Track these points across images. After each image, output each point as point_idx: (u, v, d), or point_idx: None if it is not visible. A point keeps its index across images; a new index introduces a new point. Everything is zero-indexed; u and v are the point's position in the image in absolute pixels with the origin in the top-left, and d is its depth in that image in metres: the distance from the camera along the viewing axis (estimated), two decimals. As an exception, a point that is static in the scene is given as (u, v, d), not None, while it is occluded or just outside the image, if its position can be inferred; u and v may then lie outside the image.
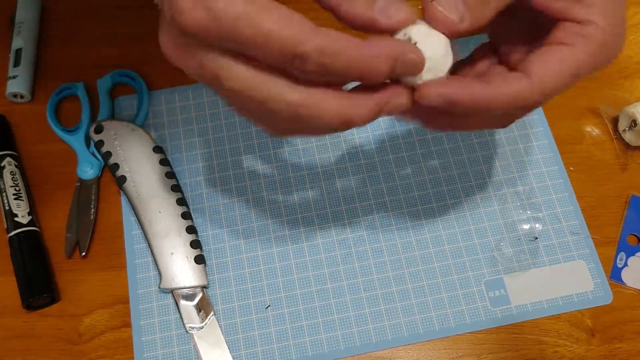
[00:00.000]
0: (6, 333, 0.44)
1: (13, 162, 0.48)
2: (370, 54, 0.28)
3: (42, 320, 0.44)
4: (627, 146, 0.50)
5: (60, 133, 0.49)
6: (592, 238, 0.46)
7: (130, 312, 0.44)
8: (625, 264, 0.46)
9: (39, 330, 0.44)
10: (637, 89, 0.52)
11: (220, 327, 0.43)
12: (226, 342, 0.43)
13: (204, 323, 0.43)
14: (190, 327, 0.43)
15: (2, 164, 0.47)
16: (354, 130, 0.50)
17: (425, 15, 0.30)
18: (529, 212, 0.47)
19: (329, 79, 0.28)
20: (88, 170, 0.48)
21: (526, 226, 0.47)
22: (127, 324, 0.44)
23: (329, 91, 0.29)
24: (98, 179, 0.48)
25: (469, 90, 0.30)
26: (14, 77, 0.50)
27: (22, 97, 0.51)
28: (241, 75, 0.28)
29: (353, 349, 0.43)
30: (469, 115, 0.33)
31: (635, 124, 0.48)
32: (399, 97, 0.30)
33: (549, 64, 0.32)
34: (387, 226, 0.47)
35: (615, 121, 0.50)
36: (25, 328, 0.44)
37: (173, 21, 0.28)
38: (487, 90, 0.31)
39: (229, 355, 0.43)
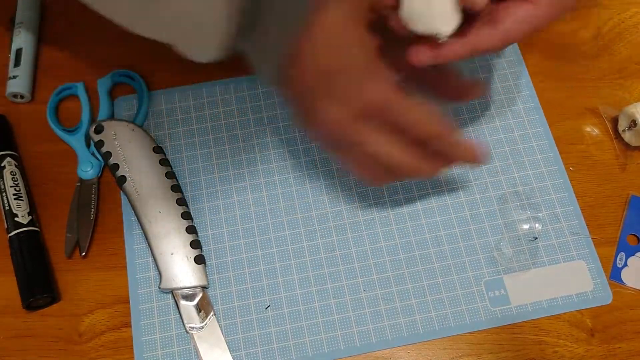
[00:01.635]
0: (6, 333, 0.44)
1: (13, 162, 0.48)
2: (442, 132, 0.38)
3: (42, 320, 0.44)
4: (627, 146, 0.50)
5: (60, 133, 0.49)
6: (592, 238, 0.46)
7: (130, 312, 0.44)
8: (625, 264, 0.46)
9: (39, 330, 0.44)
10: (637, 89, 0.52)
11: (220, 327, 0.43)
12: (226, 342, 0.43)
13: (204, 323, 0.43)
14: (190, 327, 0.43)
15: (2, 164, 0.47)
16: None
17: None
18: (528, 212, 0.47)
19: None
20: (88, 170, 0.48)
21: (526, 226, 0.47)
22: (127, 324, 0.44)
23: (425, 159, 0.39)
24: (98, 179, 0.48)
25: (484, 38, 0.36)
26: (14, 77, 0.50)
27: (22, 97, 0.51)
28: (336, 119, 0.36)
29: (353, 349, 0.43)
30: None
31: (635, 124, 0.48)
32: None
33: (514, 18, 0.36)
34: (387, 226, 0.47)
35: (615, 121, 0.50)
36: (25, 328, 0.44)
37: (295, 71, 0.36)
38: (500, 29, 0.36)
39: (229, 355, 0.43)
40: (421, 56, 0.36)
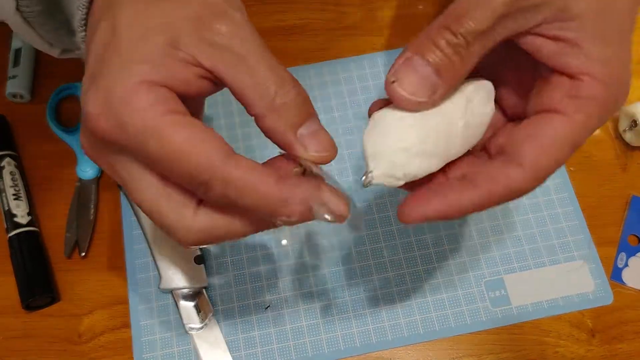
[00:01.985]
0: (6, 333, 0.43)
1: (13, 162, 0.48)
2: (280, 196, 0.26)
3: (42, 320, 0.44)
4: (627, 146, 0.50)
5: (60, 133, 0.49)
6: (593, 238, 0.46)
7: (130, 313, 0.44)
8: (626, 264, 0.46)
9: (38, 330, 0.44)
10: (637, 89, 0.52)
11: (220, 327, 0.43)
12: (226, 342, 0.43)
13: (204, 323, 0.43)
14: (190, 327, 0.43)
15: (1, 164, 0.47)
16: (353, 130, 0.50)
17: (390, 98, 0.28)
18: (529, 212, 0.47)
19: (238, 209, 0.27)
20: (88, 170, 0.48)
21: (526, 226, 0.47)
22: (127, 324, 0.44)
23: (235, 216, 0.28)
24: (98, 179, 0.48)
25: (456, 202, 0.28)
26: (14, 77, 0.50)
27: (22, 97, 0.51)
28: (145, 191, 0.27)
29: (353, 349, 0.43)
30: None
31: (635, 124, 0.48)
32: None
33: (542, 146, 0.28)
34: (387, 226, 0.47)
35: (615, 121, 0.50)
36: (25, 328, 0.44)
37: (84, 126, 0.28)
38: (476, 195, 0.28)
39: (229, 355, 0.43)
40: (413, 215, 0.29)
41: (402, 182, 0.29)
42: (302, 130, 0.28)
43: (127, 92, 0.25)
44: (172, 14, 0.27)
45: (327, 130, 0.29)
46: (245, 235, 0.29)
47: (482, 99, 0.30)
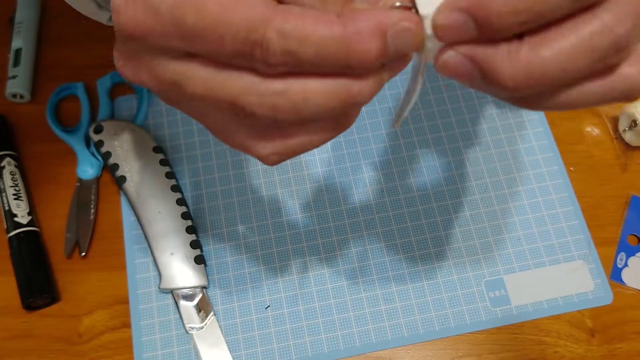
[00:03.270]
0: (6, 333, 0.43)
1: (13, 162, 0.48)
2: (349, 31, 0.21)
3: (42, 320, 0.44)
4: (627, 146, 0.50)
5: (60, 133, 0.49)
6: (592, 238, 0.46)
7: (130, 312, 0.44)
8: (626, 264, 0.46)
9: (38, 330, 0.44)
10: (637, 89, 0.52)
11: (220, 327, 0.43)
12: (226, 342, 0.43)
13: (204, 323, 0.43)
14: (190, 327, 0.43)
15: (2, 164, 0.47)
16: (353, 130, 0.50)
17: None
18: (528, 212, 0.47)
19: (305, 70, 0.22)
20: (88, 170, 0.48)
21: (526, 226, 0.47)
22: (127, 324, 0.44)
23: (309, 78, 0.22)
24: (98, 179, 0.48)
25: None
26: (14, 77, 0.50)
27: (22, 97, 0.51)
28: (201, 75, 0.23)
29: (353, 349, 0.43)
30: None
31: (635, 124, 0.48)
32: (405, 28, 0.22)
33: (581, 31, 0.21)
34: (386, 226, 0.47)
35: (615, 121, 0.50)
36: (25, 328, 0.44)
37: (115, 27, 0.24)
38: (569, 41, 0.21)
39: (229, 355, 0.43)
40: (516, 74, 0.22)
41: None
42: None
43: None
44: None
45: None
46: (326, 104, 0.23)
47: None
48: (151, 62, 0.24)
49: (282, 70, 0.22)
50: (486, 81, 0.23)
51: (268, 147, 0.26)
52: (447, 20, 0.22)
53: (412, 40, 0.22)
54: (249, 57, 0.22)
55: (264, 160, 0.26)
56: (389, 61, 0.23)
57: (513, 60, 0.22)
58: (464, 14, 0.21)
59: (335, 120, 0.25)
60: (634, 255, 0.46)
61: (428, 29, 0.22)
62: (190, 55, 0.23)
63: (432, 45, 0.23)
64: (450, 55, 0.23)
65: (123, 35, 0.24)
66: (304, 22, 0.21)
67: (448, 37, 0.22)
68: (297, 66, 0.22)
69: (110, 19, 0.35)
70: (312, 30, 0.21)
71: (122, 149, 0.47)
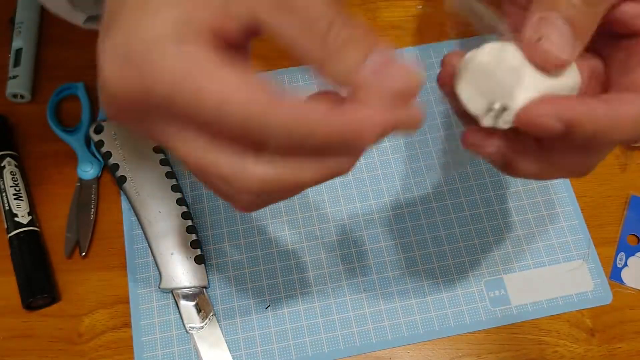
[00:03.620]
0: (6, 333, 0.43)
1: (13, 162, 0.48)
2: (352, 127, 0.22)
3: (42, 320, 0.44)
4: (627, 146, 0.50)
5: (60, 133, 0.49)
6: (592, 238, 0.46)
7: (130, 312, 0.44)
8: (625, 264, 0.46)
9: (38, 330, 0.44)
10: (636, 89, 0.52)
11: (220, 327, 0.43)
12: (226, 342, 0.43)
13: (204, 323, 0.43)
14: (190, 327, 0.43)
15: (2, 164, 0.47)
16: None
17: (534, 58, 0.26)
18: (528, 212, 0.47)
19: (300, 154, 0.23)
20: (88, 170, 0.48)
21: (525, 226, 0.47)
22: (127, 324, 0.44)
23: (304, 160, 0.23)
24: (98, 179, 0.48)
25: (591, 108, 0.25)
26: (14, 77, 0.50)
27: (22, 97, 0.51)
28: (191, 151, 0.23)
29: (353, 349, 0.43)
30: (568, 150, 0.28)
31: (635, 124, 0.48)
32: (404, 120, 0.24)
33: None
34: (387, 226, 0.47)
35: (615, 121, 0.50)
36: (25, 328, 0.44)
37: (102, 90, 0.23)
38: (610, 110, 0.25)
39: (229, 355, 0.43)
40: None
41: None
42: (366, 70, 0.23)
43: (149, 39, 0.21)
44: None
45: None
46: (315, 182, 0.24)
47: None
48: (140, 121, 0.24)
49: (276, 152, 0.23)
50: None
51: (249, 204, 0.26)
52: (543, 125, 0.25)
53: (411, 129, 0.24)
54: (247, 142, 0.22)
55: (243, 211, 0.27)
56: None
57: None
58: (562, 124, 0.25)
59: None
60: (633, 255, 0.46)
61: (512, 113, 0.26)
62: (185, 123, 0.23)
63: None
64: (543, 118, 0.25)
65: (112, 103, 0.23)
66: (308, 116, 0.21)
67: (534, 133, 0.26)
68: (294, 153, 0.23)
69: (86, 20, 0.35)
70: (313, 125, 0.22)
71: (123, 149, 0.47)
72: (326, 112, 0.22)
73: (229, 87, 0.21)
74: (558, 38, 0.25)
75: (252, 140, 0.22)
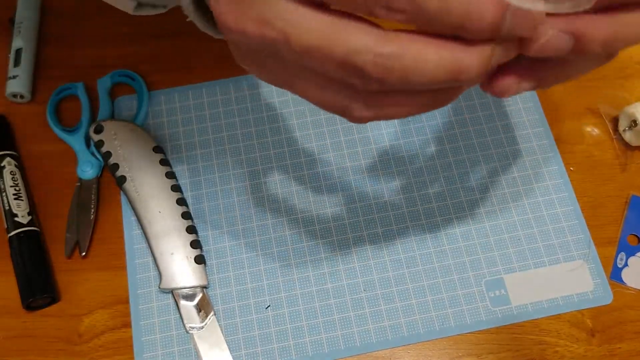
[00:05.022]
0: (6, 333, 0.43)
1: (13, 162, 0.48)
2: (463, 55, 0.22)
3: (42, 320, 0.44)
4: (627, 146, 0.50)
5: (60, 133, 0.49)
6: (592, 238, 0.46)
7: (130, 312, 0.44)
8: (626, 264, 0.46)
9: (38, 330, 0.44)
10: (637, 89, 0.52)
11: (220, 327, 0.43)
12: (226, 342, 0.43)
13: (204, 323, 0.43)
14: (190, 327, 0.43)
15: (2, 164, 0.47)
16: (354, 129, 0.50)
17: None
18: (528, 212, 0.47)
19: (419, 24, 0.23)
20: (88, 170, 0.48)
21: (526, 226, 0.47)
22: (127, 324, 0.44)
23: (429, 41, 0.23)
24: (98, 179, 0.48)
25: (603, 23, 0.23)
26: (14, 77, 0.50)
27: (22, 97, 0.51)
28: (317, 25, 0.23)
29: (353, 349, 0.43)
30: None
31: (635, 124, 0.48)
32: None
33: None
34: (387, 226, 0.47)
35: (615, 121, 0.50)
36: (25, 328, 0.44)
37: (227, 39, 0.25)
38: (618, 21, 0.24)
39: (229, 355, 0.43)
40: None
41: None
42: None
43: None
44: None
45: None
46: (438, 68, 0.23)
47: None
48: (261, 7, 0.24)
49: (400, 18, 0.22)
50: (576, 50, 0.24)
51: (365, 110, 0.26)
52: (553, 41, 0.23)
53: (526, 26, 0.22)
54: (376, 8, 0.22)
55: (358, 121, 0.26)
56: (501, 40, 0.23)
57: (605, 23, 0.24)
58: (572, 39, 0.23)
59: (434, 96, 0.26)
60: (634, 255, 0.46)
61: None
62: (306, 2, 0.23)
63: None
64: (553, 36, 0.23)
65: (237, 47, 0.24)
66: (418, 46, 0.22)
67: (546, 52, 0.24)
68: (418, 14, 0.22)
69: (137, 7, 0.36)
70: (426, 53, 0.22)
71: (123, 149, 0.47)
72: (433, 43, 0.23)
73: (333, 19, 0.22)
74: None
75: (376, 10, 0.22)
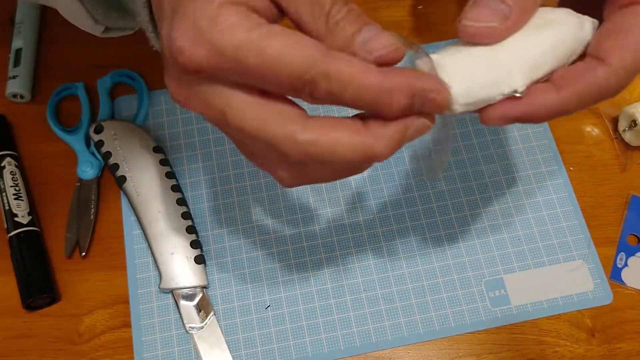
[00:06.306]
0: (6, 333, 0.43)
1: (13, 162, 0.48)
2: (383, 86, 0.26)
3: (42, 320, 0.44)
4: (627, 146, 0.50)
5: (60, 133, 0.49)
6: (592, 238, 0.46)
7: (130, 312, 0.44)
8: (625, 264, 0.46)
9: (38, 330, 0.44)
10: (637, 89, 0.52)
11: (220, 327, 0.43)
12: (226, 342, 0.43)
13: (204, 323, 0.43)
14: (190, 327, 0.43)
15: (2, 164, 0.47)
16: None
17: (462, 37, 0.29)
18: (528, 212, 0.47)
19: (340, 105, 0.27)
20: (88, 170, 0.48)
21: (526, 226, 0.47)
22: (127, 324, 0.44)
23: (344, 127, 0.27)
24: (98, 179, 0.48)
25: (541, 102, 0.28)
26: (14, 77, 0.50)
27: (22, 97, 0.51)
28: (248, 111, 0.27)
29: (353, 349, 0.43)
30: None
31: (635, 124, 0.48)
32: (419, 119, 0.28)
33: (628, 41, 0.28)
34: (387, 226, 0.47)
35: (615, 121, 0.50)
36: (25, 328, 0.44)
37: (173, 62, 0.27)
38: (561, 96, 0.29)
39: (229, 355, 0.43)
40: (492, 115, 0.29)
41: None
42: (359, 39, 0.27)
43: (214, 14, 0.25)
44: None
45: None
46: (350, 152, 0.27)
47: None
48: (203, 89, 0.27)
49: (323, 103, 0.27)
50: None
51: (289, 177, 0.30)
52: (496, 123, 0.29)
53: (435, 108, 0.27)
54: (301, 93, 0.26)
55: (284, 184, 0.31)
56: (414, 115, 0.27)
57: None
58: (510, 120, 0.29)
59: (351, 168, 0.30)
60: (633, 255, 0.46)
61: (460, 99, 0.28)
62: (242, 88, 0.27)
63: (462, 109, 0.28)
64: (494, 118, 0.29)
65: (183, 70, 0.27)
66: (348, 69, 0.25)
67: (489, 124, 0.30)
68: (335, 102, 0.26)
69: (104, 31, 0.39)
70: (353, 77, 0.25)
71: (123, 149, 0.47)
72: (363, 68, 0.26)
73: (284, 49, 0.25)
74: (485, 12, 0.28)
75: (302, 93, 0.26)
